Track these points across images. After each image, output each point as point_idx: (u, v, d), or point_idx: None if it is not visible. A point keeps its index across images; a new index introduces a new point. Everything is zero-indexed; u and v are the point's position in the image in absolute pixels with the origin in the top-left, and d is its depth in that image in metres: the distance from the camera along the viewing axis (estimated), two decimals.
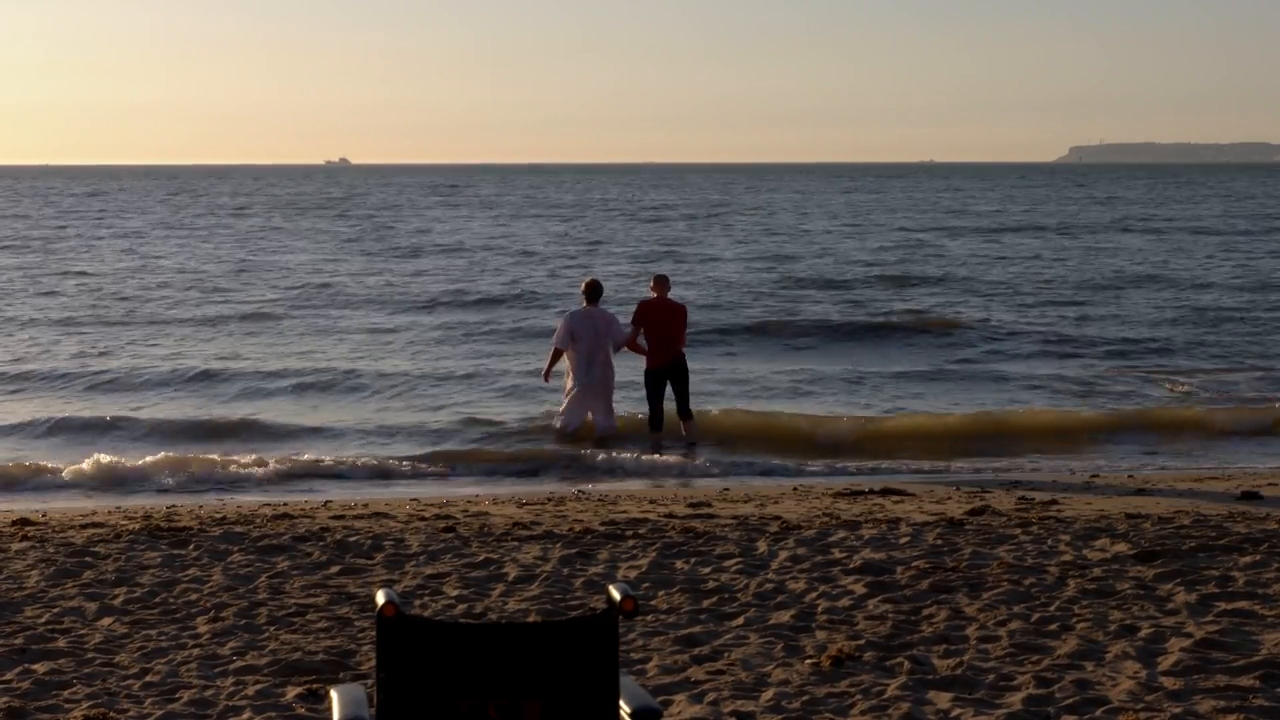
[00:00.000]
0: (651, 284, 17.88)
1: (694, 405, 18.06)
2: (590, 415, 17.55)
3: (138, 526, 12.17)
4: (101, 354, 26.55)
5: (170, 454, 16.93)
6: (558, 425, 17.92)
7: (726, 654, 8.43)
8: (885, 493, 14.40)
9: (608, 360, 17.33)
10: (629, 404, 18.91)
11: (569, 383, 17.47)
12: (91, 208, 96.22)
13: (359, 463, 16.84)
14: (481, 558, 10.93)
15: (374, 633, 5.09)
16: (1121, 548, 11.08)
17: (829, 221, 74.92)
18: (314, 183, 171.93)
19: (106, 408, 20.97)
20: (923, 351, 27.10)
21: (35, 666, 8.24)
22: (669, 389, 17.74)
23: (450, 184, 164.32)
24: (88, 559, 10.93)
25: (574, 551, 11.13)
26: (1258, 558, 10.74)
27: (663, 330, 17.45)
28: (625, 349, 17.59)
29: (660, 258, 49.22)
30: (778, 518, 12.61)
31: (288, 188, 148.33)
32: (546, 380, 18.01)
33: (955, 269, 44.30)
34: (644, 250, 53.60)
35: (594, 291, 17.49)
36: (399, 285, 39.85)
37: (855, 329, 29.66)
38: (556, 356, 17.46)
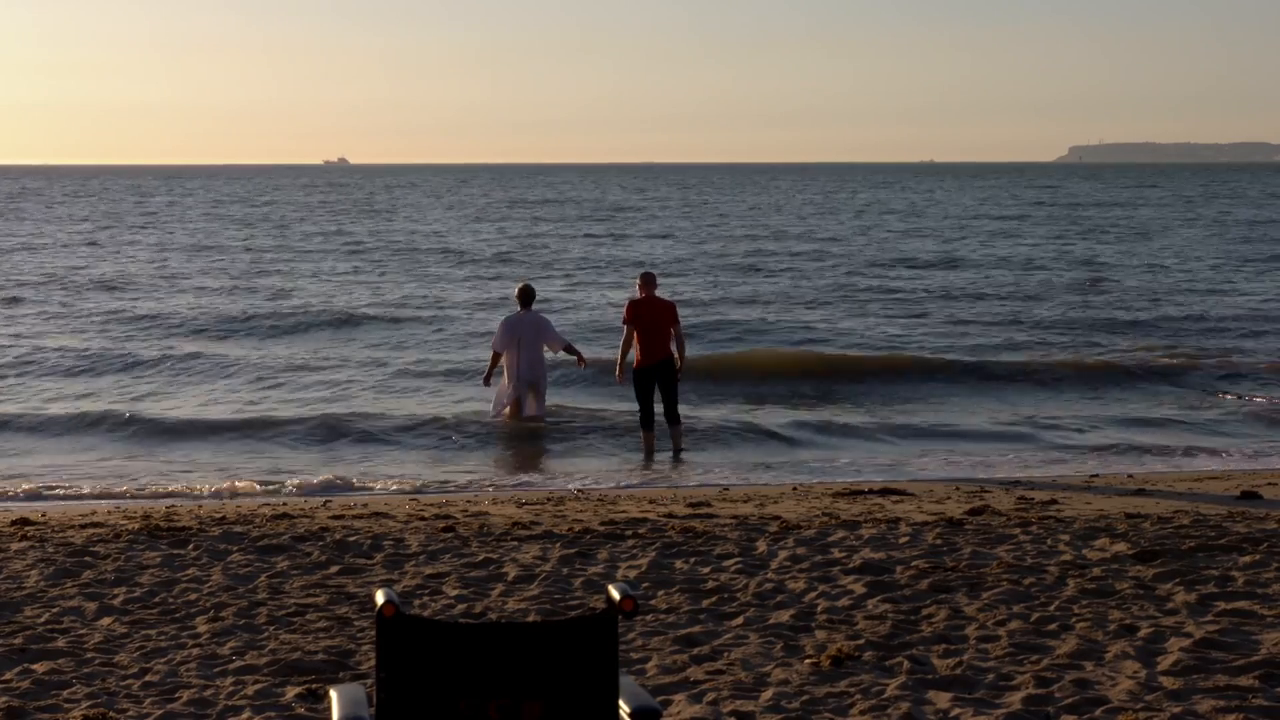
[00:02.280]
0: (639, 282, 17.77)
1: None
2: (521, 406, 18.61)
3: (137, 526, 12.16)
4: None
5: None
6: (491, 414, 18.97)
7: (726, 654, 8.43)
8: (885, 493, 14.40)
9: (540, 360, 18.42)
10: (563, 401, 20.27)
11: (504, 380, 18.51)
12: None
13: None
14: (481, 558, 10.93)
15: (374, 633, 5.09)
16: (1121, 547, 11.08)
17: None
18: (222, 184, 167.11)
19: None
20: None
21: (35, 666, 8.24)
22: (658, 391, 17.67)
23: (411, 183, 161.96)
24: (87, 559, 10.93)
25: (573, 551, 11.13)
26: (1257, 558, 10.74)
27: (652, 329, 17.33)
28: (562, 351, 18.75)
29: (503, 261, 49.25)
30: (777, 517, 12.60)
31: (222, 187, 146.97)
32: (487, 384, 18.98)
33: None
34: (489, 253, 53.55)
35: (527, 296, 18.56)
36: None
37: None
38: (496, 360, 18.48)
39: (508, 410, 18.70)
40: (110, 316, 32.96)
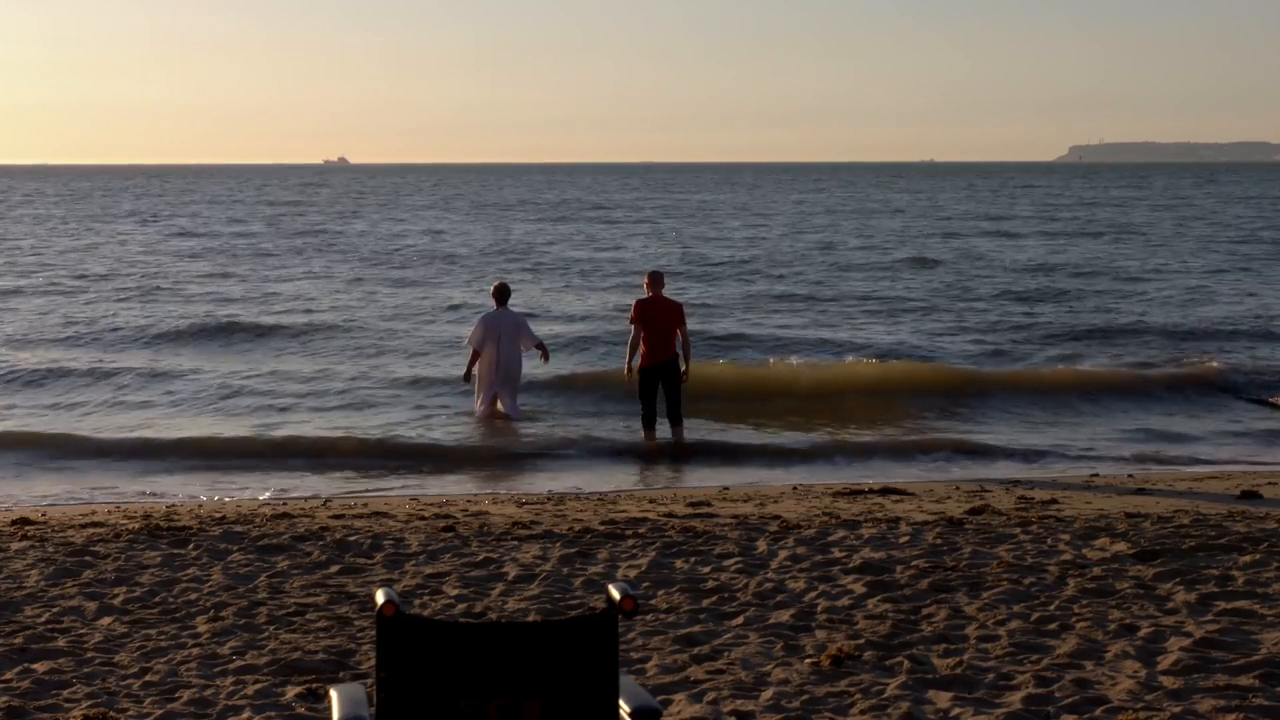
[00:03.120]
0: (646, 281, 17.78)
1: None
2: (499, 403, 19.11)
3: (137, 526, 12.17)
4: None
5: None
6: (476, 411, 19.25)
7: (726, 653, 8.43)
8: (885, 492, 14.40)
9: (517, 358, 18.95)
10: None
11: (480, 376, 19.00)
12: None
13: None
14: (481, 557, 10.94)
15: (374, 632, 5.09)
16: (1121, 547, 11.08)
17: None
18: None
19: None
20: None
21: (35, 666, 8.24)
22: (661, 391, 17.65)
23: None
24: (87, 558, 10.93)
25: (574, 551, 11.14)
26: (1257, 557, 10.74)
27: (659, 329, 17.34)
28: (534, 349, 19.21)
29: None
30: (777, 517, 12.61)
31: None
32: (467, 380, 19.31)
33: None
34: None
35: (502, 294, 19.03)
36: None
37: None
38: (475, 357, 18.90)
39: (484, 407, 19.04)
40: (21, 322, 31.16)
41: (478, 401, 19.16)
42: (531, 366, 20.54)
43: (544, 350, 19.36)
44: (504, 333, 18.65)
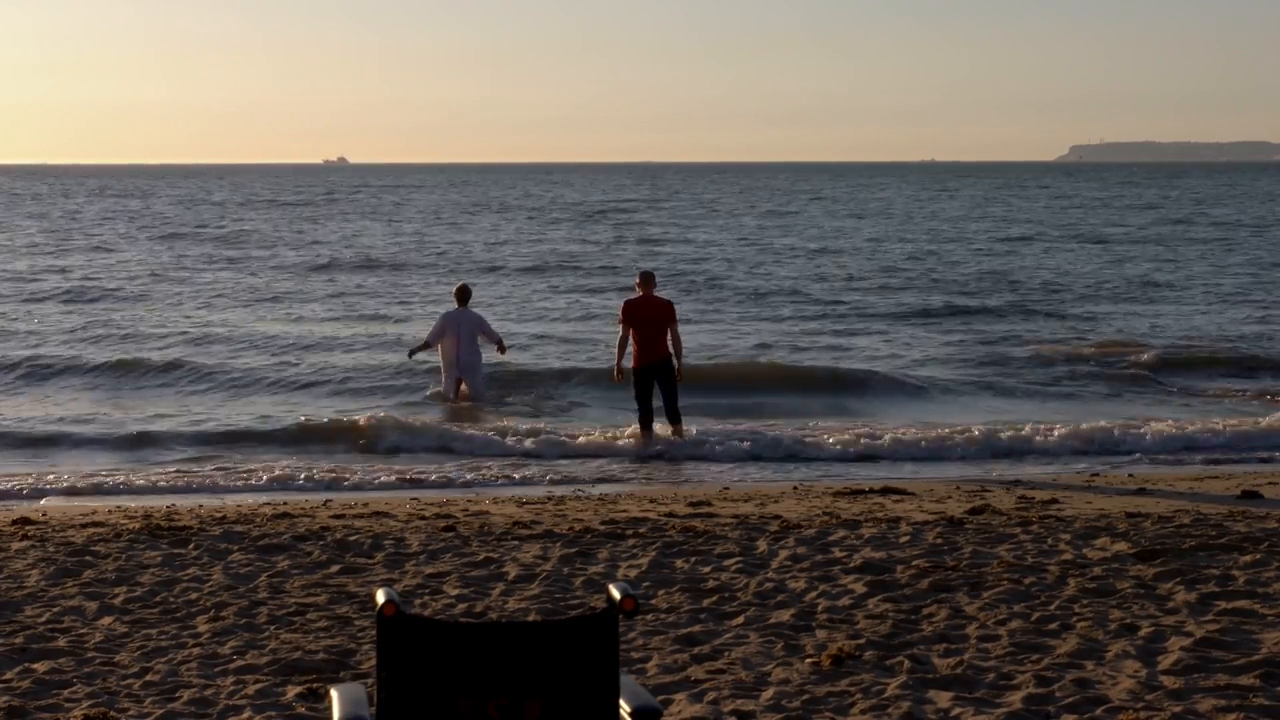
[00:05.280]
0: (638, 281, 17.76)
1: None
2: (464, 386, 20.27)
3: (138, 526, 12.17)
4: None
5: None
6: (439, 391, 20.61)
7: (726, 653, 8.43)
8: (885, 492, 14.40)
9: (475, 351, 20.16)
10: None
11: (443, 366, 20.18)
12: None
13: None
14: (481, 557, 10.94)
15: (374, 632, 5.09)
16: (1122, 547, 11.08)
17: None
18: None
19: None
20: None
21: (35, 666, 8.24)
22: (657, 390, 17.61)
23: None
24: (88, 558, 10.93)
25: (574, 551, 11.14)
26: (1258, 557, 10.74)
27: (650, 329, 17.30)
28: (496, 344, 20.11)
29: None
30: (778, 517, 12.61)
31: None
32: (410, 357, 21.23)
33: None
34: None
35: (464, 295, 20.24)
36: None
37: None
38: (426, 347, 20.35)
39: (450, 386, 20.21)
40: None
41: (444, 384, 20.28)
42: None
43: (501, 345, 20.28)
44: (463, 330, 19.78)
